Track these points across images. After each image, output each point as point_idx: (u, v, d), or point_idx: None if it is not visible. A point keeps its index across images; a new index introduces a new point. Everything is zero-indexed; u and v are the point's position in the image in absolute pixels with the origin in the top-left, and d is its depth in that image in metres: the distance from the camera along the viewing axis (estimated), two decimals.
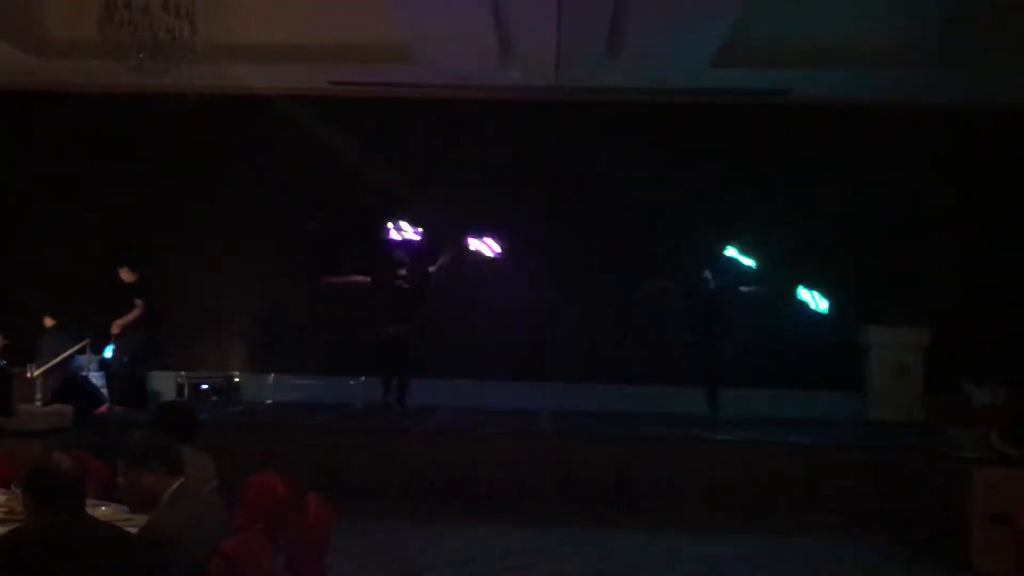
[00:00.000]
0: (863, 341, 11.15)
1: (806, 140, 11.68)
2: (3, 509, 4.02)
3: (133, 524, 3.68)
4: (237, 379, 11.83)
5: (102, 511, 3.98)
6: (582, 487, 8.73)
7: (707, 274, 10.65)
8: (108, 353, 10.44)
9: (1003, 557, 6.68)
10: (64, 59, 10.87)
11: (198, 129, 11.87)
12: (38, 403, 9.14)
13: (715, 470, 8.76)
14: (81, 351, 10.31)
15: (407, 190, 11.35)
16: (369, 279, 10.66)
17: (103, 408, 9.51)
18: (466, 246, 10.84)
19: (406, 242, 10.90)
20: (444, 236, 10.82)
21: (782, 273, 10.84)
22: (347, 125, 11.76)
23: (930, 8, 10.11)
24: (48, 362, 9.79)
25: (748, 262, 10.80)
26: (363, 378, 10.91)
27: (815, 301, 10.89)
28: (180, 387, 11.20)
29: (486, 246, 11.00)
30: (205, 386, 11.32)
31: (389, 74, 11.12)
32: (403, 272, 10.50)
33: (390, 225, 10.93)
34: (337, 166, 11.67)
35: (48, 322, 10.69)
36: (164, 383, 11.30)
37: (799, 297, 10.89)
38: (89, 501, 3.54)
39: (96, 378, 10.50)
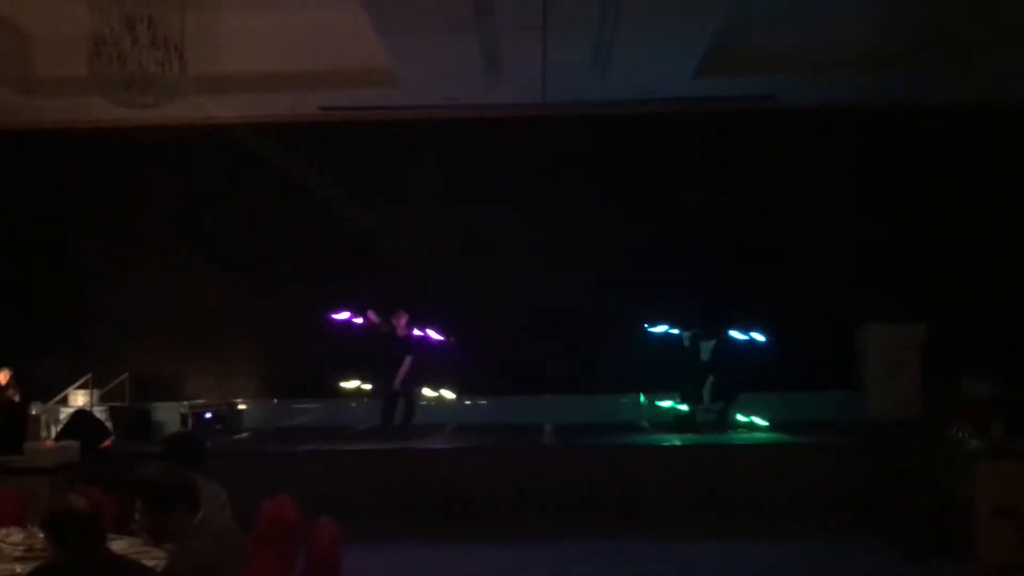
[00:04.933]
0: (860, 338, 11.21)
1: (796, 143, 11.78)
2: (22, 547, 4.06)
3: (150, 556, 3.72)
4: (240, 407, 11.86)
5: (118, 544, 4.03)
6: (585, 498, 8.77)
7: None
8: None
9: (1008, 548, 6.76)
10: (52, 97, 10.95)
11: (190, 162, 11.97)
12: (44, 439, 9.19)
13: (716, 474, 8.82)
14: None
15: (401, 214, 11.43)
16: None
17: (108, 442, 9.54)
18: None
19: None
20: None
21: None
22: (338, 151, 11.85)
23: (911, 11, 10.22)
24: None
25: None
26: (365, 399, 10.93)
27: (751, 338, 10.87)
28: (184, 417, 11.21)
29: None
30: (208, 415, 11.33)
31: (377, 98, 11.21)
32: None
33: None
34: (332, 192, 11.72)
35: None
36: (167, 414, 11.33)
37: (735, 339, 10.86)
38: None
39: (100, 412, 10.54)
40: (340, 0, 9.57)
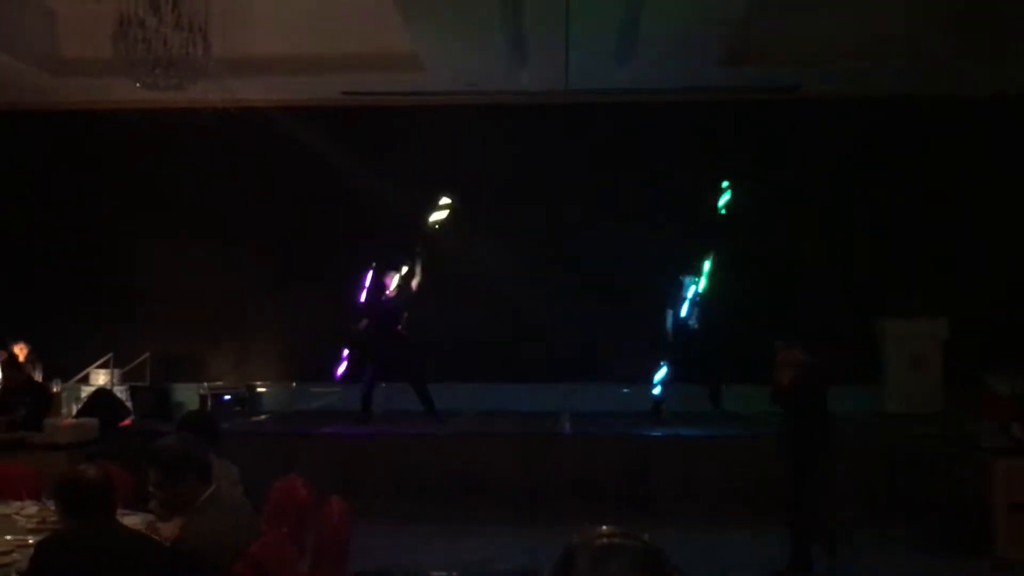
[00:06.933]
0: (881, 333, 11.12)
1: (819, 133, 11.65)
2: (36, 519, 4.12)
3: (161, 533, 3.76)
4: (260, 389, 11.95)
5: (131, 520, 4.07)
6: (599, 487, 8.78)
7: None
8: None
9: None
10: (77, 77, 11.04)
11: (213, 143, 12.02)
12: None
13: (732, 466, 8.80)
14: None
15: (419, 196, 11.43)
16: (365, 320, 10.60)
17: (128, 421, 9.62)
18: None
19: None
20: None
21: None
22: (360, 135, 11.88)
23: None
24: None
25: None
26: (383, 384, 10.96)
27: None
28: (203, 399, 11.30)
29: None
30: (227, 397, 11.42)
31: (400, 83, 11.21)
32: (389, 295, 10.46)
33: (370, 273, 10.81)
34: (354, 176, 11.75)
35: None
36: (187, 395, 11.42)
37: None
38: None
39: (120, 391, 10.64)
40: None
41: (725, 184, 11.06)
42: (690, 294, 10.67)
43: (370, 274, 10.68)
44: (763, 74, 11.00)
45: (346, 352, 10.92)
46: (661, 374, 10.75)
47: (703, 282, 10.70)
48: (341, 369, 10.97)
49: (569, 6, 8.89)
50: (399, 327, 10.27)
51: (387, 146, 11.95)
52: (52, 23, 11.07)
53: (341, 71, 11.05)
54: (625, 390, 11.33)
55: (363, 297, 10.76)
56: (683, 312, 10.64)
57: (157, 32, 8.33)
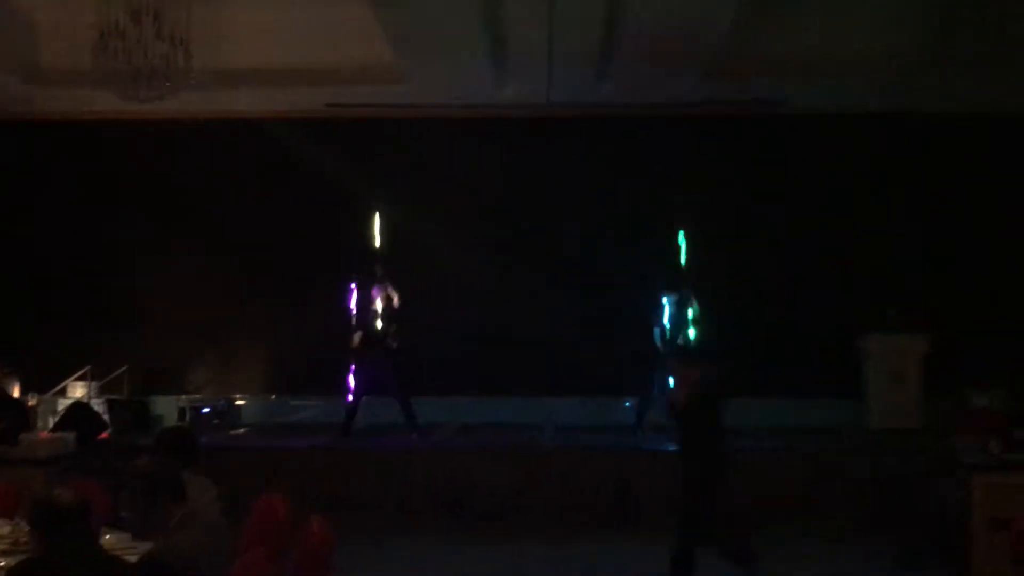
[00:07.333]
0: (862, 348, 11.18)
1: (801, 149, 11.73)
2: (8, 541, 4.05)
3: (137, 552, 3.71)
4: (239, 402, 11.85)
5: (107, 539, 4.02)
6: (582, 500, 8.76)
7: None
8: None
9: (1002, 560, 6.72)
10: (56, 87, 10.95)
11: (194, 155, 11.97)
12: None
13: None
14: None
15: (401, 209, 11.42)
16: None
17: (105, 434, 9.53)
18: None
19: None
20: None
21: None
22: (342, 147, 11.84)
23: (922, 16, 10.18)
24: None
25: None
26: (365, 398, 10.91)
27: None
28: (182, 411, 11.19)
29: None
30: (206, 410, 11.32)
31: (385, 95, 11.19)
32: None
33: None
34: (337, 188, 11.72)
35: None
36: (166, 408, 11.31)
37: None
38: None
39: (98, 404, 10.53)
40: None
41: (680, 234, 10.85)
42: (674, 311, 10.61)
43: (354, 289, 10.59)
44: (744, 89, 11.04)
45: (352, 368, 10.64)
46: (648, 388, 10.71)
47: (685, 299, 10.61)
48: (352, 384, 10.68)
49: (552, 22, 8.92)
50: (389, 341, 10.19)
51: (371, 158, 11.91)
52: (32, 33, 10.98)
53: (325, 83, 11.02)
54: (608, 403, 11.31)
55: (352, 312, 10.63)
56: (668, 328, 10.59)
57: (138, 43, 8.28)
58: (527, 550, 7.68)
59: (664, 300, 10.58)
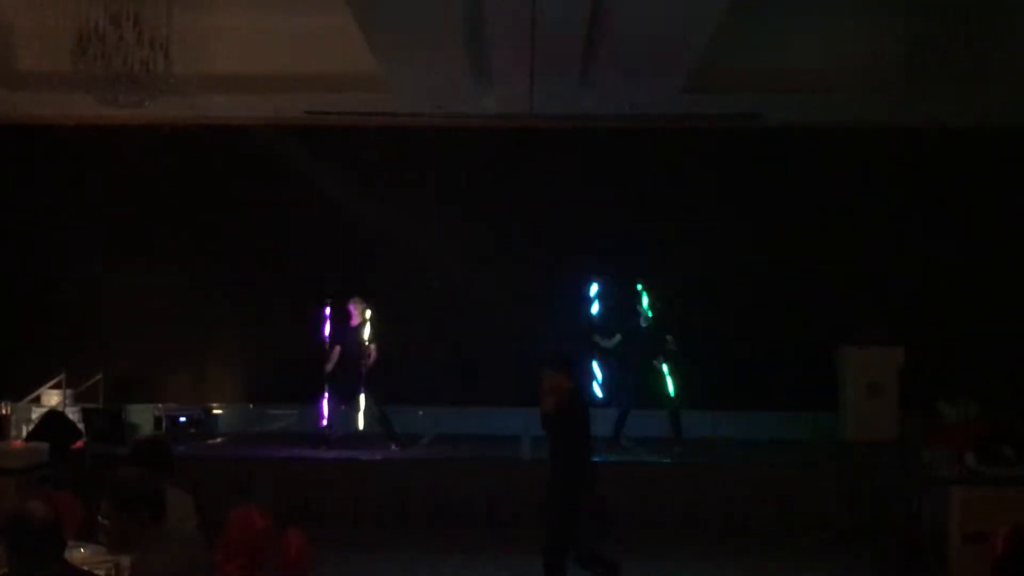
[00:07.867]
0: (838, 361, 11.24)
1: (778, 163, 11.81)
2: None
3: (112, 566, 3.66)
4: (216, 411, 11.75)
5: (80, 553, 3.97)
6: None
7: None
8: None
9: (979, 572, 6.76)
10: (33, 90, 10.85)
11: (171, 161, 11.90)
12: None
13: (691, 493, 8.81)
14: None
15: (384, 218, 11.39)
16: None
17: (80, 443, 9.42)
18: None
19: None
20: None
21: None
22: (323, 154, 11.80)
23: (897, 32, 10.26)
24: None
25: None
26: (342, 407, 10.85)
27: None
28: (158, 420, 11.09)
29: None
30: (183, 418, 11.21)
31: (366, 103, 11.16)
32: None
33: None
34: (316, 196, 11.69)
35: None
36: (141, 416, 11.20)
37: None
38: (68, 543, 3.51)
39: (72, 412, 10.41)
40: (330, 4, 9.52)
41: (639, 287, 10.73)
42: (643, 323, 10.61)
43: (328, 308, 10.48)
44: (725, 102, 11.09)
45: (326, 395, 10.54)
46: (626, 398, 10.72)
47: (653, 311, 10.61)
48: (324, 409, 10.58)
49: (534, 31, 8.93)
50: (367, 359, 10.09)
51: (351, 166, 11.88)
52: (10, 35, 10.87)
53: (306, 90, 10.98)
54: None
55: (327, 332, 10.53)
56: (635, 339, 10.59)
57: (117, 48, 8.22)
58: (504, 561, 7.65)
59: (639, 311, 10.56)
